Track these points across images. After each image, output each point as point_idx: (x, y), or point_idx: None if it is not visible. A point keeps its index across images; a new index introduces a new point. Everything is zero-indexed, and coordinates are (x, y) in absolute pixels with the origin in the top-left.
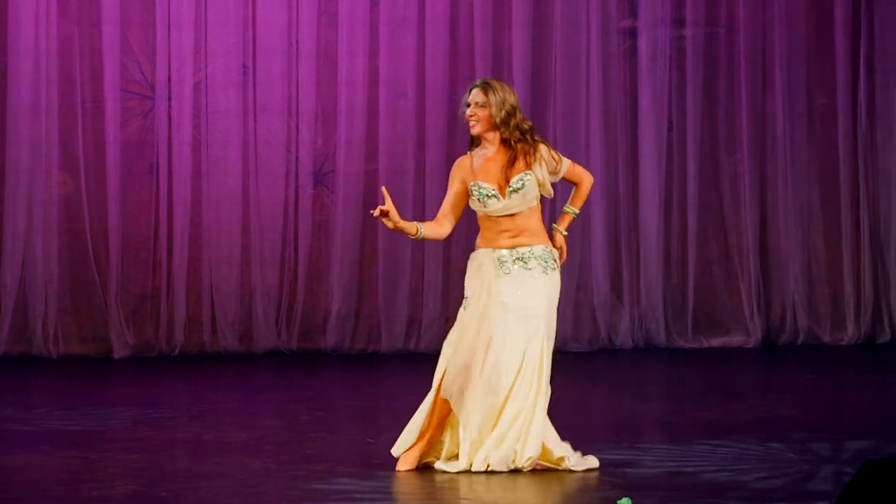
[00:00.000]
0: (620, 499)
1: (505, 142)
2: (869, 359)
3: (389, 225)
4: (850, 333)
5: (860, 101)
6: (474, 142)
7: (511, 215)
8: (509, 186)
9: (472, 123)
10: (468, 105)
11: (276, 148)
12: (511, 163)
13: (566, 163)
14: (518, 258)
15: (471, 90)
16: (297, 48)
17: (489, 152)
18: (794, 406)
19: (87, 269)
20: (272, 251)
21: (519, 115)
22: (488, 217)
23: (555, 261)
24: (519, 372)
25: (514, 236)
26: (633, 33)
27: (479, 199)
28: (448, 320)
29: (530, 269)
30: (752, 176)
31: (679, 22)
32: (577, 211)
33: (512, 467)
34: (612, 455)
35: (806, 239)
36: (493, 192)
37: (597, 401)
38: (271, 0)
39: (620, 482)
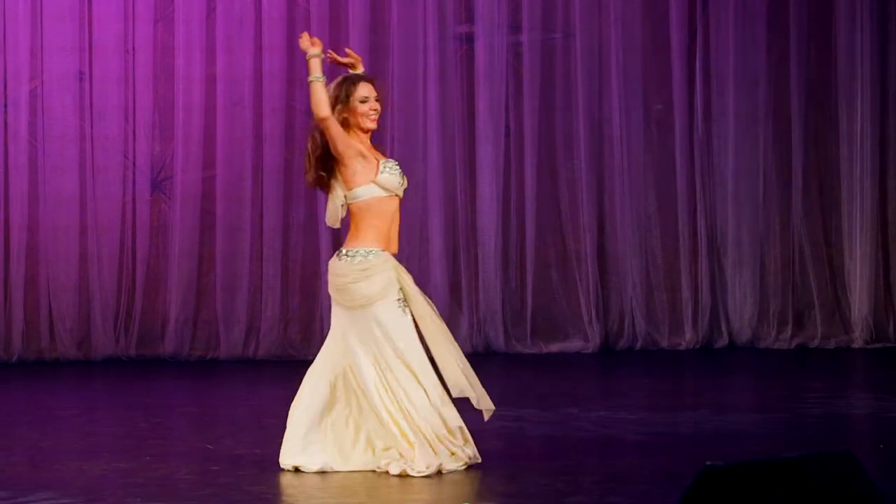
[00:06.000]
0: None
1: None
2: (706, 363)
3: (314, 50)
4: (688, 338)
5: (696, 106)
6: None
7: (399, 203)
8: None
9: (374, 118)
10: (366, 99)
11: (113, 154)
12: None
13: None
14: None
15: (361, 83)
16: (134, 52)
17: (368, 143)
18: (633, 411)
19: None
20: (110, 259)
21: None
22: (385, 210)
23: None
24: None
25: (396, 234)
26: (469, 38)
27: (400, 175)
28: (287, 325)
29: None
30: (590, 181)
31: (516, 27)
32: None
33: None
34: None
35: (644, 244)
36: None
37: None
38: (107, 3)
39: (462, 489)
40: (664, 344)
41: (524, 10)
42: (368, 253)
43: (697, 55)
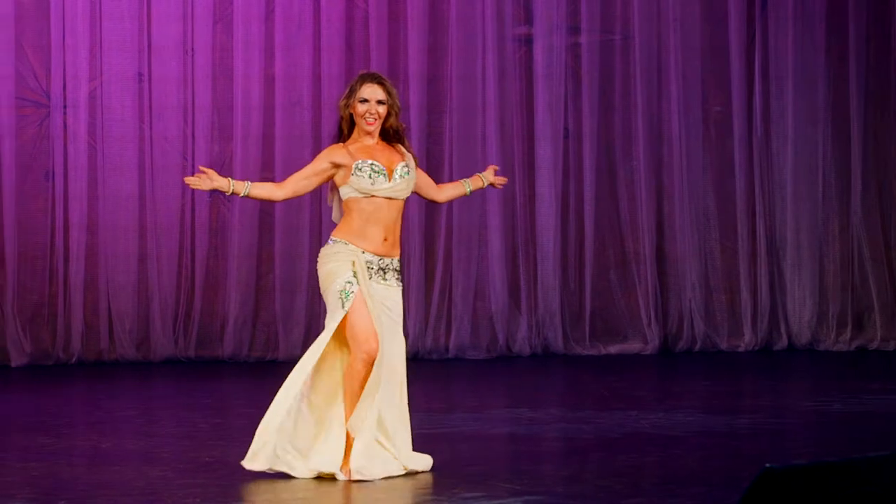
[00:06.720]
0: None
1: (383, 137)
2: (766, 365)
3: (214, 184)
4: (747, 340)
5: (755, 108)
6: (344, 132)
7: (390, 204)
8: (395, 171)
9: (370, 121)
10: (365, 100)
11: (172, 155)
12: (394, 151)
13: (419, 171)
14: (381, 268)
15: (366, 83)
16: (193, 53)
17: (368, 143)
18: (691, 413)
19: None
20: (169, 260)
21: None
22: (363, 209)
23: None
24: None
25: (385, 238)
26: (528, 40)
27: (368, 176)
28: None
29: (387, 279)
30: (649, 182)
31: (574, 29)
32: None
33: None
34: (512, 463)
35: (702, 245)
36: (383, 171)
37: (494, 409)
38: (166, 4)
39: (520, 488)
40: (723, 346)
41: (583, 11)
42: (331, 243)
43: (756, 56)
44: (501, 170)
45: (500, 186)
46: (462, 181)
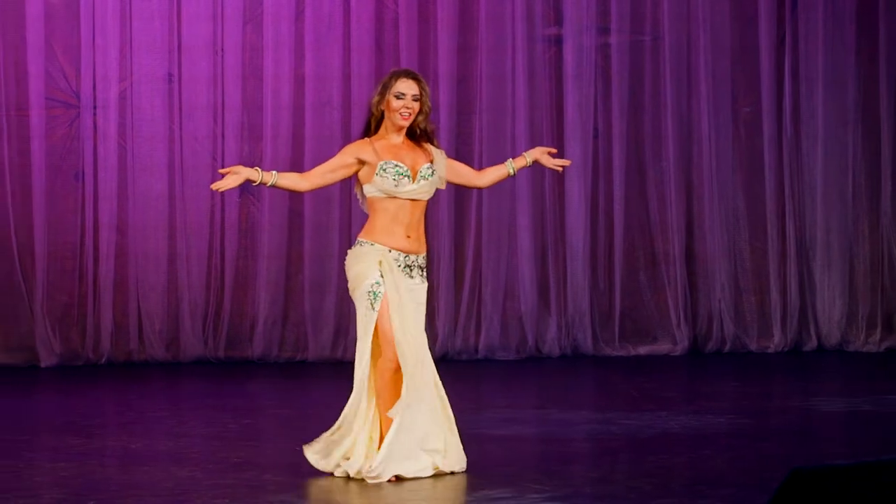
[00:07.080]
0: None
1: (409, 134)
2: (795, 366)
3: (241, 177)
4: (777, 341)
5: (785, 109)
6: (372, 129)
7: (413, 204)
8: (419, 172)
9: (405, 115)
10: (402, 95)
11: (202, 154)
12: (420, 151)
13: (453, 163)
14: (407, 265)
15: (401, 79)
16: (223, 53)
17: (395, 141)
18: (721, 413)
19: (12, 278)
20: (199, 261)
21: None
22: (387, 209)
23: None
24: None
25: (408, 235)
26: (558, 41)
27: (393, 178)
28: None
29: (413, 277)
30: (678, 183)
31: (604, 30)
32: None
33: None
34: (541, 464)
35: (732, 246)
36: (408, 173)
37: (524, 410)
38: (196, 4)
39: (549, 489)
40: (752, 347)
41: (612, 12)
42: (358, 244)
43: (786, 56)
44: (531, 169)
45: (559, 169)
46: (506, 162)
